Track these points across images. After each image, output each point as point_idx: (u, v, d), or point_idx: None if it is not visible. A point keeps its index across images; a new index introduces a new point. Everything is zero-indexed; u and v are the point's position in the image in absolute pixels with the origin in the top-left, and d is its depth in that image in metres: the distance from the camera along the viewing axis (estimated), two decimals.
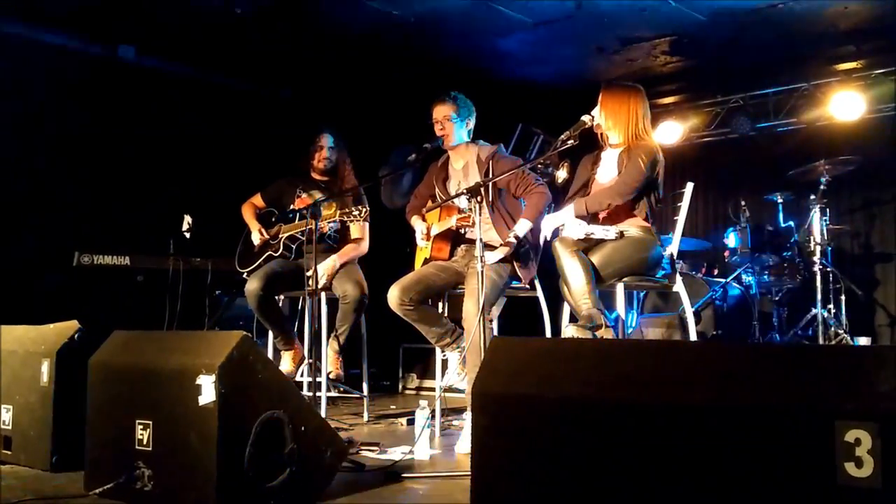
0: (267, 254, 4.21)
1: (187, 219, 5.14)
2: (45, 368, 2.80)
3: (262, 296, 4.00)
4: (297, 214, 4.15)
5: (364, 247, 4.31)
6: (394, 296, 3.58)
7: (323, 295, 4.06)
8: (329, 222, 3.92)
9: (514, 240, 3.55)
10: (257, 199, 4.51)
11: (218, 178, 6.29)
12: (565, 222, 3.42)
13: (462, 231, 3.67)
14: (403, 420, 4.18)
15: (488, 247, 3.58)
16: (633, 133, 3.48)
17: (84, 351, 2.62)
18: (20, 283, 5.15)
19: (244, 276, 4.27)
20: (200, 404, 2.12)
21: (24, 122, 5.44)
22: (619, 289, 3.44)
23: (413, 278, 3.66)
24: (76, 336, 2.82)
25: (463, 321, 3.45)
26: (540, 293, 3.77)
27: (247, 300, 4.07)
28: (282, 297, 4.25)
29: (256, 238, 4.28)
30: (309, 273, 3.56)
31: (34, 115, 5.50)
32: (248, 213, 4.45)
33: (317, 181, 4.37)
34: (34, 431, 2.83)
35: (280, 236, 4.19)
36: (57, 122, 5.59)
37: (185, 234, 5.16)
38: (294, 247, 4.16)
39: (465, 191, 3.29)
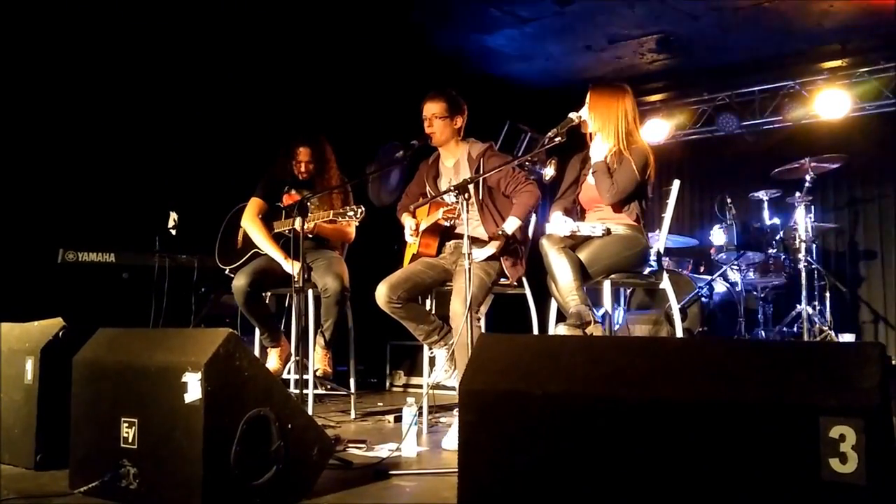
0: (252, 251, 4.19)
1: (173, 215, 5.11)
2: (30, 366, 2.78)
3: (249, 292, 3.98)
4: (284, 212, 4.13)
5: (348, 234, 4.27)
6: (382, 294, 3.57)
7: (310, 292, 4.05)
8: (322, 222, 3.89)
9: (502, 236, 3.56)
10: (259, 204, 4.25)
11: (204, 175, 6.27)
12: (575, 225, 3.41)
13: (449, 224, 3.65)
14: (391, 417, 4.17)
15: (477, 241, 3.58)
16: (623, 134, 3.48)
17: (69, 348, 2.60)
18: (4, 280, 5.12)
19: (227, 272, 4.25)
20: (186, 402, 2.11)
21: (6, 118, 5.40)
22: (606, 286, 3.44)
23: (401, 276, 3.66)
24: (61, 333, 2.79)
25: (450, 319, 3.45)
26: (528, 290, 3.78)
27: (234, 297, 4.05)
28: (268, 294, 4.23)
29: (285, 264, 4.01)
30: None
31: (18, 110, 5.46)
32: (258, 231, 4.14)
33: (303, 180, 4.34)
34: (18, 429, 2.81)
35: None
36: (41, 117, 5.55)
37: (171, 230, 5.13)
38: (280, 244, 4.13)
39: (452, 187, 3.29)
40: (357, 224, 4.08)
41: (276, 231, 4.15)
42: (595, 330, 3.13)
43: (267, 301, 4.23)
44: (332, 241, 4.27)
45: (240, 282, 3.98)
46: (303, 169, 4.27)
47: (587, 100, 3.53)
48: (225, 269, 4.27)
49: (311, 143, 4.28)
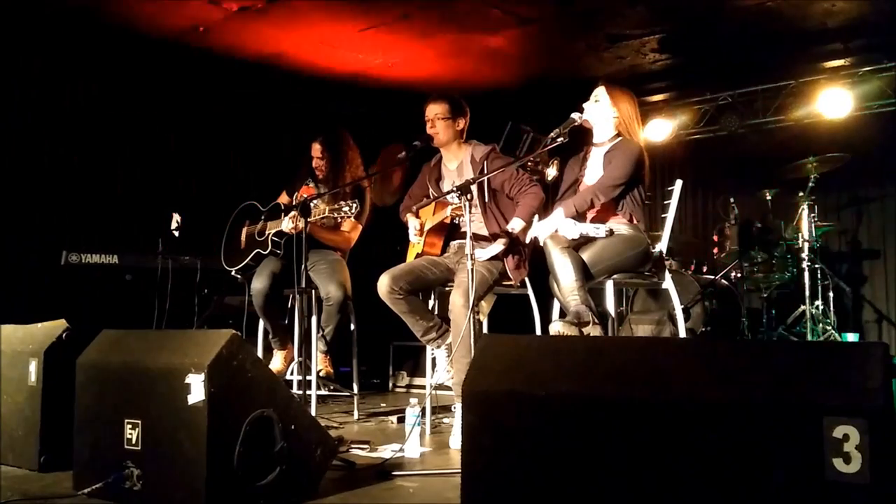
0: (255, 251, 4.17)
1: (176, 217, 5.12)
2: (33, 368, 2.78)
3: (269, 295, 3.99)
4: (283, 211, 4.12)
5: (349, 240, 4.26)
6: (384, 283, 3.57)
7: (313, 293, 4.04)
8: (321, 217, 3.89)
9: (507, 234, 3.55)
10: (285, 199, 4.39)
11: (206, 177, 6.28)
12: (558, 226, 3.41)
13: (457, 221, 3.64)
14: (394, 418, 4.18)
15: (481, 239, 3.58)
16: (626, 131, 3.51)
17: (72, 350, 2.60)
18: (7, 282, 5.12)
19: (232, 273, 4.24)
20: (189, 403, 2.11)
21: (11, 120, 5.41)
22: (609, 286, 3.44)
23: (405, 268, 3.66)
24: (64, 335, 2.80)
25: (449, 313, 3.44)
26: (530, 291, 3.77)
27: (236, 298, 4.05)
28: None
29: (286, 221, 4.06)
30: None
31: (22, 113, 5.47)
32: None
33: (320, 178, 4.34)
34: (22, 431, 2.82)
35: (266, 233, 4.15)
36: (45, 119, 5.56)
37: (174, 232, 5.14)
38: (282, 242, 4.11)
39: (455, 188, 3.28)
40: (353, 221, 4.09)
41: (273, 230, 4.11)
42: (593, 331, 3.12)
43: None
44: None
45: (260, 284, 3.98)
46: (315, 165, 4.28)
47: (608, 94, 3.54)
48: (231, 271, 4.27)
49: (323, 138, 4.27)
